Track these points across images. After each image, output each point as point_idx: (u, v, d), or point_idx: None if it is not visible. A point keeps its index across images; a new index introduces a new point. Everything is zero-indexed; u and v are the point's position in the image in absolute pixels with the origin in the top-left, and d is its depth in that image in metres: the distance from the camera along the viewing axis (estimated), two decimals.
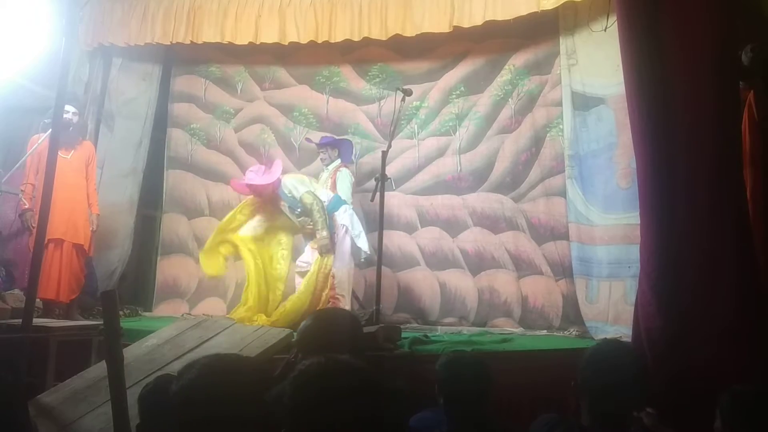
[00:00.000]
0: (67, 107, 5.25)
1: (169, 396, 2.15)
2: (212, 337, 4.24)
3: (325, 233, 4.96)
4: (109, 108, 6.37)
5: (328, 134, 5.88)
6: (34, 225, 4.90)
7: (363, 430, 1.45)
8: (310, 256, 5.26)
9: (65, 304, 5.31)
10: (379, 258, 4.52)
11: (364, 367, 1.56)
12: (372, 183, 4.86)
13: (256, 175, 5.23)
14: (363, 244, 5.19)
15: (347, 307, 5.02)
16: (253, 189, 5.19)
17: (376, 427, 1.47)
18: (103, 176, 6.09)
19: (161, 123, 6.52)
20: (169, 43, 6.05)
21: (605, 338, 4.22)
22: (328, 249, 4.97)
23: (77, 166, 5.40)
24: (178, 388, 1.66)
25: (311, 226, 5.09)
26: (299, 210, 5.14)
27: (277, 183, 5.13)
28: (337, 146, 5.55)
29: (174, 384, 1.64)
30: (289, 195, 5.14)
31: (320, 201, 5.06)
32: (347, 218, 5.16)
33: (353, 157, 5.83)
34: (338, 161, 5.49)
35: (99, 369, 3.78)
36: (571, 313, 5.32)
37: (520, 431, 2.97)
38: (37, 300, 4.91)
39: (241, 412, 1.59)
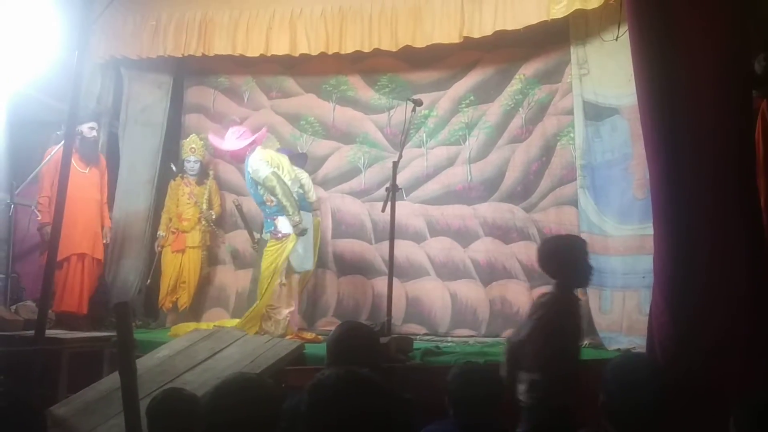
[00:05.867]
0: (91, 124, 5.34)
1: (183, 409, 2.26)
2: (224, 348, 4.25)
3: (297, 218, 4.95)
4: (125, 117, 6.40)
5: (288, 148, 6.03)
6: None
7: None
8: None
9: (83, 316, 5.35)
10: (390, 269, 4.50)
11: (381, 381, 1.60)
12: (381, 193, 4.85)
13: (232, 137, 5.23)
14: (295, 260, 5.11)
15: (285, 316, 5.01)
16: (226, 152, 5.31)
17: None
18: (121, 185, 6.14)
19: (173, 134, 6.54)
20: (180, 56, 6.08)
21: (628, 351, 4.19)
22: (303, 229, 4.99)
23: (95, 181, 5.50)
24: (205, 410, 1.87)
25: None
26: (260, 191, 5.09)
27: (243, 153, 5.12)
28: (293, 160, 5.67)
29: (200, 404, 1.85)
30: (250, 174, 5.08)
31: (284, 183, 5.00)
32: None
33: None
34: None
35: (111, 380, 3.79)
36: (584, 324, 5.27)
37: None
38: (49, 312, 4.97)
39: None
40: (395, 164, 4.59)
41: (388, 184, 4.55)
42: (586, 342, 5.10)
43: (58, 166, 5.11)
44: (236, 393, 1.82)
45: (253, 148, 5.16)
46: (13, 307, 5.26)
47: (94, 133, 5.52)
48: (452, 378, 2.58)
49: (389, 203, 4.48)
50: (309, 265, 5.33)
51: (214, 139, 5.58)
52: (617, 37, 4.56)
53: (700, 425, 2.60)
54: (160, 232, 6.01)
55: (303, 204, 5.24)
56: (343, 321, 4.20)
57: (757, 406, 2.09)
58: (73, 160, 5.24)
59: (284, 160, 5.31)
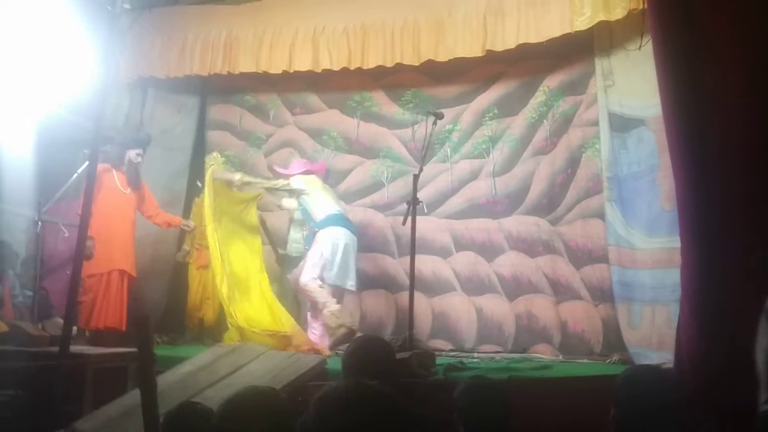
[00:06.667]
0: (138, 150, 5.56)
1: (198, 424, 2.25)
2: (246, 363, 4.24)
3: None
4: None
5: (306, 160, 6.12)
6: (93, 254, 5.12)
7: None
8: None
9: (122, 333, 5.38)
10: (411, 283, 4.46)
11: (389, 393, 1.56)
12: (404, 207, 4.82)
13: (295, 165, 5.82)
14: (329, 274, 5.15)
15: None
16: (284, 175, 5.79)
17: None
18: None
19: (198, 151, 6.62)
20: (206, 75, 6.15)
21: (637, 365, 4.08)
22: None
23: (133, 202, 5.58)
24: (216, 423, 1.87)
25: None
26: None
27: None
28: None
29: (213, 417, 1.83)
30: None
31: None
32: (328, 242, 5.22)
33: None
34: None
35: (135, 396, 3.78)
36: (613, 339, 5.17)
37: None
38: (80, 328, 5.04)
39: None
40: (416, 177, 4.57)
41: (409, 198, 4.53)
42: (615, 357, 5.01)
43: (101, 183, 5.23)
44: (247, 406, 1.80)
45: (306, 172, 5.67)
46: (41, 323, 5.32)
47: (140, 159, 5.63)
48: (459, 395, 2.53)
49: (410, 217, 4.45)
50: (346, 283, 5.34)
51: (279, 168, 6.01)
52: (640, 47, 4.50)
53: None
54: (185, 247, 6.08)
55: (342, 221, 5.45)
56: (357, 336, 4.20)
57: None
58: (117, 180, 5.47)
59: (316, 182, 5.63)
